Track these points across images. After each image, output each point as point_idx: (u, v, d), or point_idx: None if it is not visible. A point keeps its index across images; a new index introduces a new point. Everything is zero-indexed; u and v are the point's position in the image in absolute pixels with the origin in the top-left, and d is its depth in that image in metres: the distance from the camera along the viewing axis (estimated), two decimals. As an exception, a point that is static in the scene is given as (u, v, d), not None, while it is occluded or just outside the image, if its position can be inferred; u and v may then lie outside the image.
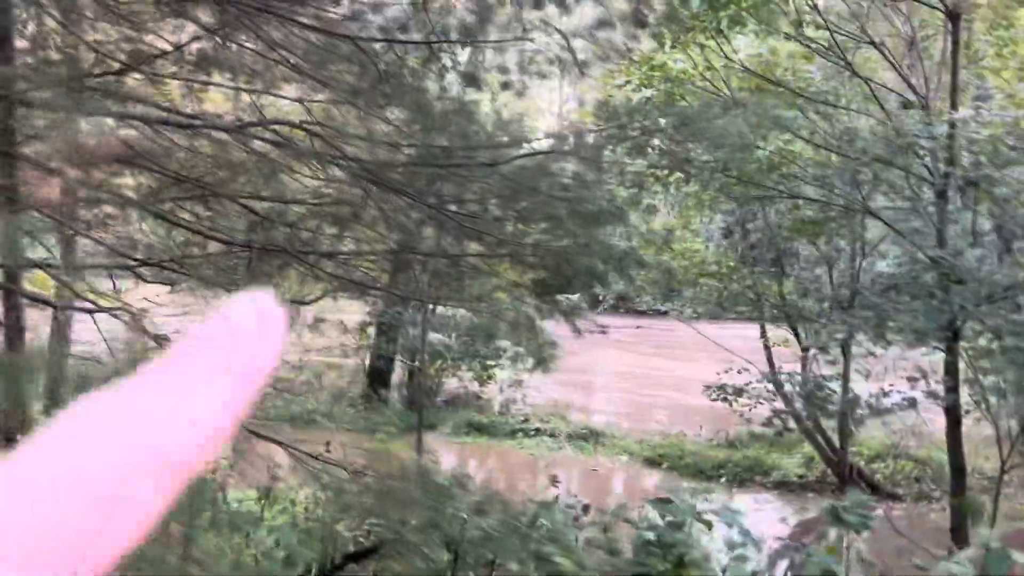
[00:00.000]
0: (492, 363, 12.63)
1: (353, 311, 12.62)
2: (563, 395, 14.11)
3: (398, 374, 13.43)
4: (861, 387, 8.17)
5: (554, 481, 5.92)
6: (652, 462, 10.87)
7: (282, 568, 3.97)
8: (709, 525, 4.20)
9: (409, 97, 6.73)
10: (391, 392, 13.14)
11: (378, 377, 13.06)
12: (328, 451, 4.49)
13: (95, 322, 4.61)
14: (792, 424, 8.96)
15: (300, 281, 6.96)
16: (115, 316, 4.77)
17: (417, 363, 12.41)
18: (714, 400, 8.18)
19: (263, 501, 5.70)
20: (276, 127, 6.50)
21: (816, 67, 7.78)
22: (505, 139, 6.79)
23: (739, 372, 8.56)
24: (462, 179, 6.85)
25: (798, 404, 9.49)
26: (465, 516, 4.02)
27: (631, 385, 17.38)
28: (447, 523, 3.98)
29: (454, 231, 7.38)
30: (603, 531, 4.83)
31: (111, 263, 5.75)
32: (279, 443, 4.29)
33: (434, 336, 11.83)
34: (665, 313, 15.60)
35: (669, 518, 4.10)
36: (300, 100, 6.75)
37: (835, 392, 7.49)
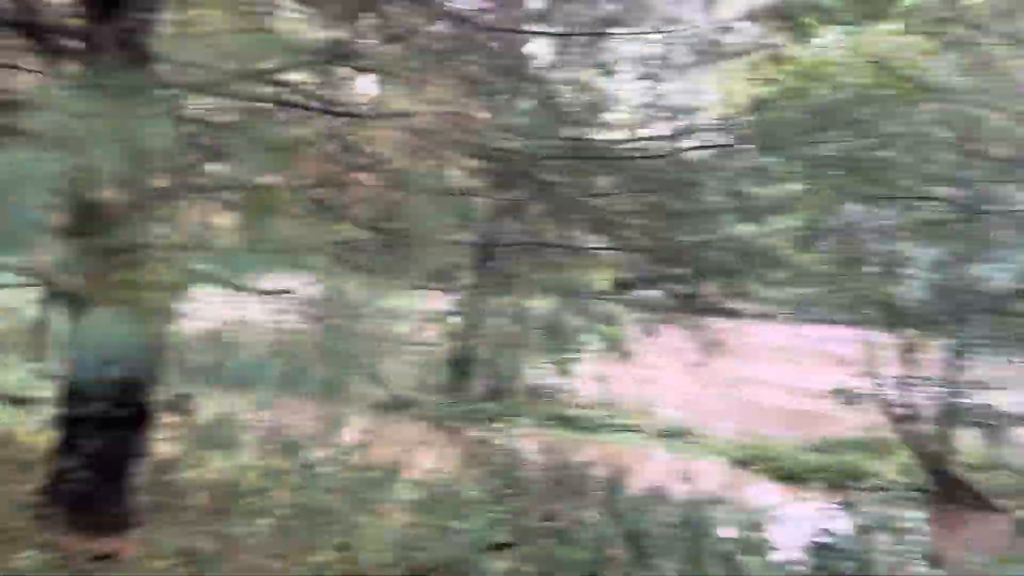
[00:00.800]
0: (574, 356, 12.56)
1: (433, 300, 12.65)
2: (635, 392, 13.99)
3: (479, 365, 13.42)
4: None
5: (686, 478, 5.84)
6: (742, 463, 10.71)
7: (471, 551, 3.97)
8: (900, 532, 4.10)
9: (542, 88, 6.67)
10: (472, 382, 13.13)
11: (459, 367, 13.06)
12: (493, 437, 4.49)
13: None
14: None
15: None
16: (277, 299, 4.82)
17: (500, 353, 12.40)
18: (844, 404, 8.01)
19: (388, 482, 5.73)
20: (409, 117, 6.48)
21: (942, 63, 7.54)
22: (645, 132, 6.67)
23: (873, 377, 8.39)
24: (594, 170, 6.74)
25: (898, 409, 9.29)
26: (645, 510, 3.98)
27: (700, 383, 17.17)
28: (621, 516, 3.94)
29: (580, 222, 7.29)
30: (753, 530, 4.75)
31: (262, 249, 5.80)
32: (454, 430, 4.29)
33: (514, 327, 11.84)
34: (735, 312, 15.32)
35: (860, 522, 4.00)
36: (415, 87, 6.73)
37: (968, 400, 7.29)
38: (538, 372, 13.08)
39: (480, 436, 4.75)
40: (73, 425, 4.66)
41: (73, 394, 4.65)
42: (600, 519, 4.06)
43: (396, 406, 9.96)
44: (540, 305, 10.57)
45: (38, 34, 4.17)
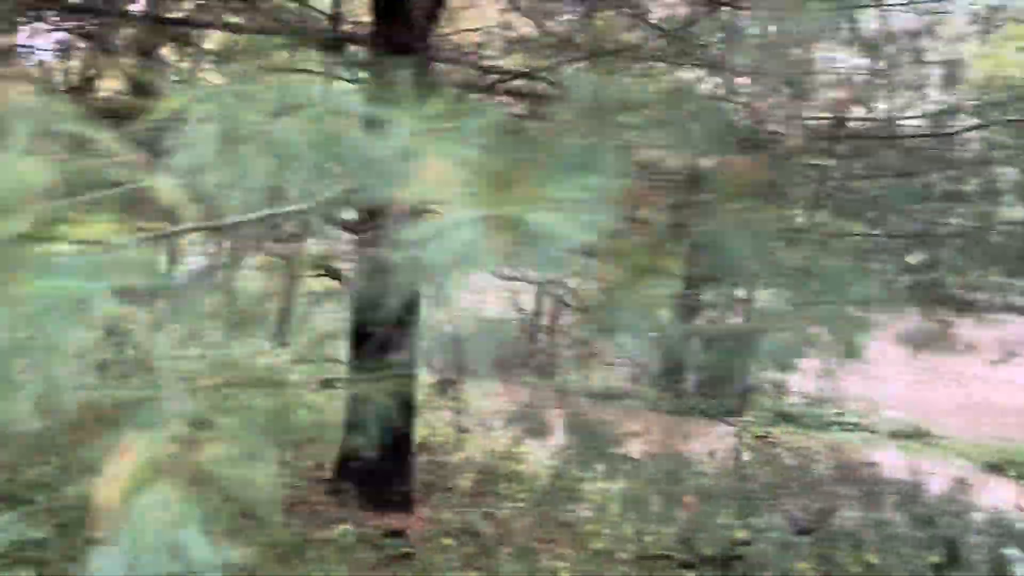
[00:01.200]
0: (800, 350, 12.02)
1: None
2: (860, 388, 13.19)
3: (698, 357, 13.16)
4: None
5: (963, 482, 5.39)
6: (994, 468, 9.82)
7: (768, 546, 3.88)
8: None
9: (797, 67, 6.38)
10: (686, 375, 12.89)
11: (676, 360, 12.83)
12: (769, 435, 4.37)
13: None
14: None
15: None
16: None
17: (722, 346, 12.09)
18: None
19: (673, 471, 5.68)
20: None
21: None
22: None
23: None
24: (856, 153, 6.42)
25: None
26: (944, 515, 3.73)
27: (931, 380, 15.95)
28: (925, 520, 3.70)
29: (831, 207, 6.94)
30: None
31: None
32: (728, 423, 4.22)
33: (737, 318, 11.45)
34: (983, 304, 14.02)
35: None
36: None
37: None
38: (761, 366, 12.63)
39: (740, 430, 4.63)
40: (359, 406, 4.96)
41: (358, 376, 4.94)
42: (894, 522, 3.83)
43: (614, 396, 9.97)
44: (767, 296, 10.20)
45: (330, 43, 4.47)
